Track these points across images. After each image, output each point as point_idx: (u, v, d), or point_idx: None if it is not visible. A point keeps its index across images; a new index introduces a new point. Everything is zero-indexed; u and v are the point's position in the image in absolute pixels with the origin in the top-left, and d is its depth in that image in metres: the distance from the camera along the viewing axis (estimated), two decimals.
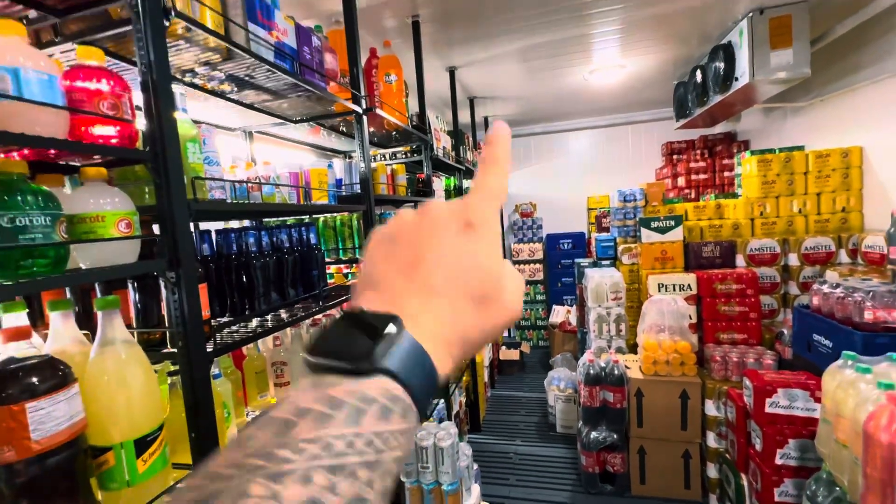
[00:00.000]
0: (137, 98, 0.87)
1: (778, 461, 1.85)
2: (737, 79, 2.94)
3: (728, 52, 2.99)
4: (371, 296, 0.28)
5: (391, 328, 0.25)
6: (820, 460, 1.61)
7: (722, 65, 3.03)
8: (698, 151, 4.98)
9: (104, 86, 0.78)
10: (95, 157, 0.86)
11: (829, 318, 1.88)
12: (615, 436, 2.65)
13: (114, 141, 0.81)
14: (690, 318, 2.66)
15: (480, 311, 0.29)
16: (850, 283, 1.91)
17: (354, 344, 0.24)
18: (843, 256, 2.71)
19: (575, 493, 2.73)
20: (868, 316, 1.70)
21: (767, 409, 1.90)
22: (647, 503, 2.56)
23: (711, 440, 2.44)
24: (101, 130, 0.79)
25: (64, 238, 0.71)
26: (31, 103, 0.66)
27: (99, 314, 0.80)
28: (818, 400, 1.81)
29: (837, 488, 1.45)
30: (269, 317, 1.29)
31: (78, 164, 0.92)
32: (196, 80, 1.32)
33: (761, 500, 1.91)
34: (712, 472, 2.46)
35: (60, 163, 0.91)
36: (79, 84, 0.76)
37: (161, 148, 0.85)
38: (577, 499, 2.68)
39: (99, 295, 0.97)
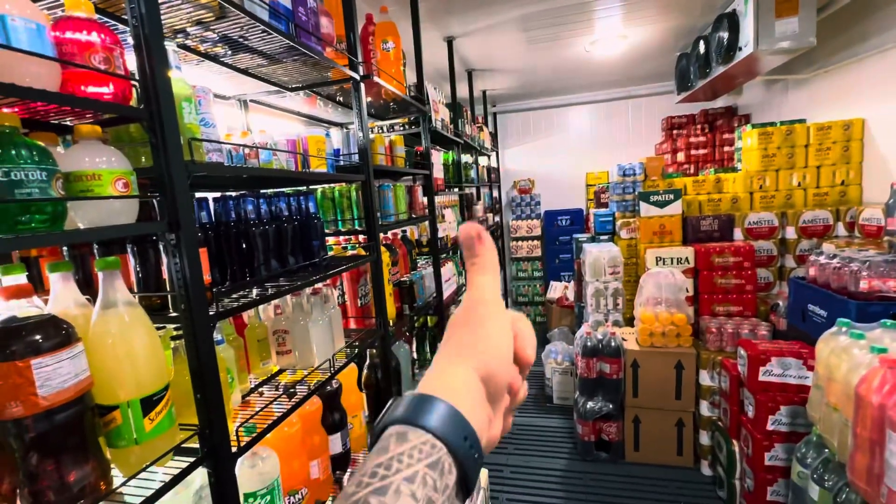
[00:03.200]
0: (129, 61, 0.84)
1: (769, 427, 1.90)
2: (741, 48, 2.88)
3: (732, 21, 2.92)
4: None
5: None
6: (810, 426, 1.65)
7: (726, 34, 2.97)
8: (699, 126, 4.93)
9: (95, 38, 0.75)
10: (88, 115, 0.84)
11: (825, 289, 1.90)
12: (611, 405, 2.70)
13: (107, 97, 0.78)
14: (687, 291, 2.69)
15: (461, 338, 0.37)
16: (846, 253, 1.92)
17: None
18: (841, 229, 2.72)
19: (571, 460, 2.81)
20: (863, 285, 1.72)
21: (761, 378, 1.94)
22: (640, 469, 2.64)
23: (705, 409, 2.50)
24: (93, 88, 0.76)
25: (61, 195, 0.69)
26: (19, 52, 0.64)
27: (100, 275, 0.79)
28: (811, 368, 1.85)
29: (826, 450, 1.49)
30: (268, 285, 1.28)
31: (70, 123, 0.89)
32: (188, 42, 1.28)
33: (752, 465, 1.98)
34: (705, 439, 2.53)
35: (52, 122, 0.88)
36: (69, 35, 0.73)
37: (156, 106, 0.82)
38: (573, 465, 2.76)
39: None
